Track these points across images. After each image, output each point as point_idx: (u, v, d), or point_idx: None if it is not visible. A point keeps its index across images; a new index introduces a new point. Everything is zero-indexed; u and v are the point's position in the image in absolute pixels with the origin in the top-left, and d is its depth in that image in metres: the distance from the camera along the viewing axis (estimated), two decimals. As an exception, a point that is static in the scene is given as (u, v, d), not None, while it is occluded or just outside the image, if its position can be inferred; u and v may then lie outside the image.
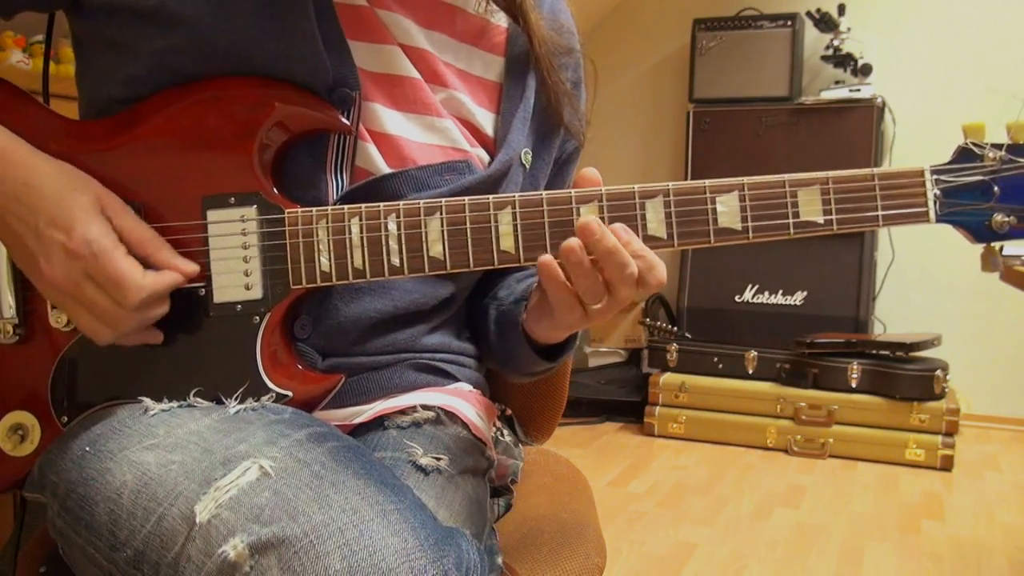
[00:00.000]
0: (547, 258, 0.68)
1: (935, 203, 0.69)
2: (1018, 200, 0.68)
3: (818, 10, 3.16)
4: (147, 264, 0.69)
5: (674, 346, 3.24)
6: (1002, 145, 0.69)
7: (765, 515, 2.43)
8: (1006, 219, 0.69)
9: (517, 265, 0.72)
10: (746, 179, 0.70)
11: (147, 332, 0.71)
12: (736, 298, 3.25)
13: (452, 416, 0.82)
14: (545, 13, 0.87)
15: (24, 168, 0.67)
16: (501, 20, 0.86)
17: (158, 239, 0.70)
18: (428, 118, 0.80)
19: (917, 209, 0.69)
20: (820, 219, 0.69)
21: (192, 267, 0.70)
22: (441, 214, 0.71)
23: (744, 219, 0.69)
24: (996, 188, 0.68)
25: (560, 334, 0.79)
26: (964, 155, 0.69)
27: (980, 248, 0.72)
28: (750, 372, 3.13)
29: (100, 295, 0.66)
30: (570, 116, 0.87)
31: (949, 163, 0.70)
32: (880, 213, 0.69)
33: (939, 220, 0.69)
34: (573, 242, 0.66)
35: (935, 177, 0.69)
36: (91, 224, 0.66)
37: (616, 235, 0.67)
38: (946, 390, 2.88)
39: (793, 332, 3.08)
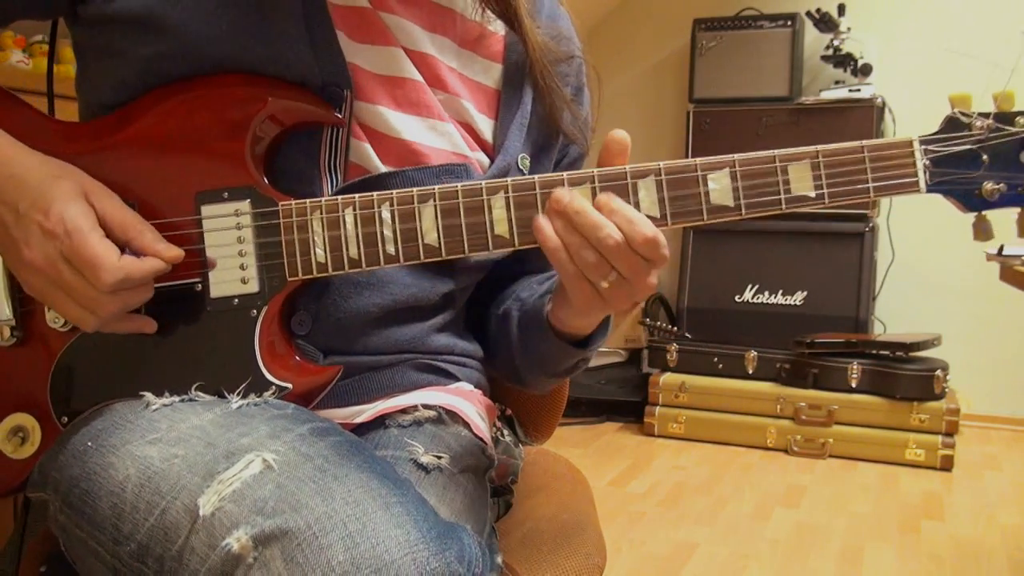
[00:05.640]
0: (540, 218, 0.68)
1: (925, 172, 0.69)
2: (1007, 168, 0.68)
3: (818, 10, 3.16)
4: (129, 248, 0.68)
5: (674, 346, 3.24)
6: (989, 114, 0.69)
7: (765, 515, 2.43)
8: (996, 187, 0.69)
9: (513, 249, 0.71)
10: (737, 156, 0.70)
11: (137, 320, 0.71)
12: (736, 298, 3.25)
13: (453, 415, 0.82)
14: (543, 20, 0.87)
15: (8, 162, 0.68)
16: (499, 28, 0.86)
17: (141, 223, 0.70)
18: (431, 120, 0.80)
19: (907, 179, 0.69)
20: (812, 193, 0.69)
21: (174, 252, 0.70)
22: (435, 201, 0.71)
23: (736, 196, 0.69)
24: (985, 156, 0.69)
25: (582, 323, 0.78)
26: (952, 125, 0.69)
27: (979, 247, 0.72)
28: (750, 372, 3.13)
29: (76, 278, 0.66)
30: (569, 123, 0.87)
31: (937, 133, 0.70)
32: (871, 185, 0.69)
33: (929, 190, 0.69)
34: (541, 218, 0.67)
35: (924, 147, 0.69)
36: (69, 205, 0.66)
37: (601, 205, 0.67)
38: (946, 390, 2.88)
39: (793, 332, 3.07)
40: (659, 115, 3.76)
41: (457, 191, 0.71)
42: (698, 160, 0.70)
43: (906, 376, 2.86)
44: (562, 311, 0.78)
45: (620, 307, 0.71)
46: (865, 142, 0.69)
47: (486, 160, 0.83)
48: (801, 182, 0.69)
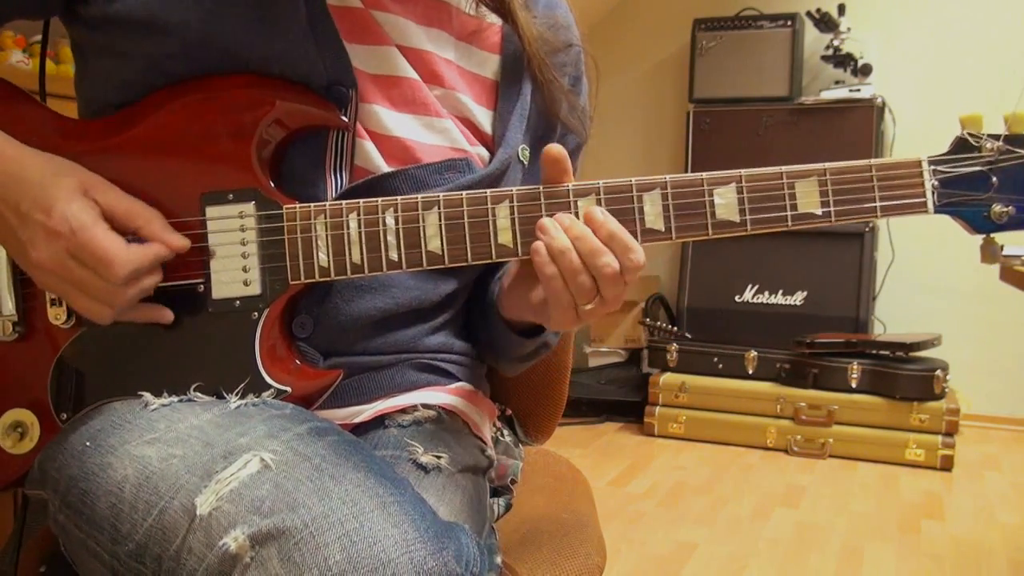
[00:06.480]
0: (538, 244, 0.68)
1: (933, 193, 0.69)
2: (1016, 190, 0.68)
3: (818, 10, 3.16)
4: (137, 236, 0.69)
5: (674, 346, 3.24)
6: (999, 136, 0.68)
7: (765, 515, 2.43)
8: (1005, 209, 0.68)
9: (517, 258, 0.72)
10: (743, 171, 0.70)
11: (155, 309, 0.71)
12: (736, 298, 3.25)
13: (452, 415, 0.82)
14: (540, 9, 0.87)
15: (11, 161, 0.68)
16: (495, 20, 0.86)
17: (147, 210, 0.70)
18: (428, 118, 0.80)
19: (915, 200, 0.69)
20: (818, 211, 0.69)
21: (181, 241, 0.70)
22: (439, 208, 0.71)
23: (742, 211, 0.69)
24: (994, 179, 0.68)
25: (532, 319, 0.79)
26: (961, 146, 0.69)
27: (978, 246, 0.72)
28: (750, 372, 3.13)
29: (86, 273, 0.66)
30: (567, 113, 0.87)
31: (946, 154, 0.69)
32: (878, 204, 0.69)
33: (937, 211, 0.69)
34: (538, 244, 0.68)
35: (933, 168, 0.69)
36: (71, 203, 0.66)
37: (589, 218, 0.67)
38: (946, 390, 2.88)
39: (793, 332, 3.07)
40: (659, 115, 3.76)
41: (462, 199, 0.71)
42: (704, 175, 0.70)
43: (906, 376, 2.86)
44: (521, 313, 0.79)
45: (590, 322, 0.72)
46: (873, 161, 0.69)
47: (486, 154, 0.83)
48: (808, 199, 0.69)
